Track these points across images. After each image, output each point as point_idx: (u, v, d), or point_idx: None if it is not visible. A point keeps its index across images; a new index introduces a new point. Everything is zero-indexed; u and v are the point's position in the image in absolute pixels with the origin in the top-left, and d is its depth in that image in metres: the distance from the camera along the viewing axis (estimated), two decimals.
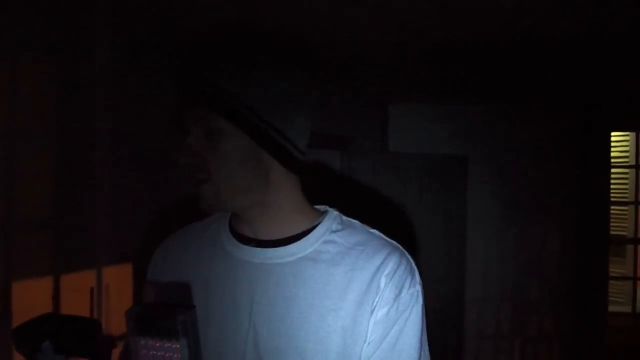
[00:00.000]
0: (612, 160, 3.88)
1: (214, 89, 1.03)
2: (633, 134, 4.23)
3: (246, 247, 1.11)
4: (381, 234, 1.15)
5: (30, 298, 2.14)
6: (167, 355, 0.93)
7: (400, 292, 1.06)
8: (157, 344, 0.93)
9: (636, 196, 3.89)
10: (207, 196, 1.07)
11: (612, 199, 3.85)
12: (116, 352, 2.43)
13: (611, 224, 3.85)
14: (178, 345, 0.92)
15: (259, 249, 1.10)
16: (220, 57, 1.07)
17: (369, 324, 1.04)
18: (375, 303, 1.04)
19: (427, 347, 1.11)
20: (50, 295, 2.21)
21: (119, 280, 2.55)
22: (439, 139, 3.45)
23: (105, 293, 2.43)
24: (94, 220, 2.41)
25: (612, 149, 3.86)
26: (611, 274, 3.91)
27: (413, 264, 1.11)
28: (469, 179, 3.48)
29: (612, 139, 3.82)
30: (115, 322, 2.48)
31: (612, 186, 3.85)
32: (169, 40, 2.75)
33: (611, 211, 3.81)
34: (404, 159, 3.31)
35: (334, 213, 1.16)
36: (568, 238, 3.60)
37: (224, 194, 1.06)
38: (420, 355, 1.07)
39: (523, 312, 3.58)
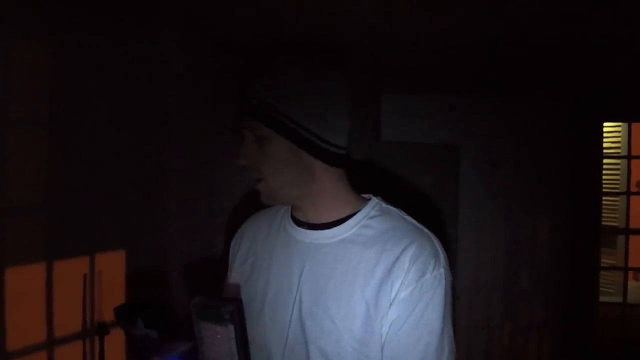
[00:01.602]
0: (604, 151, 3.90)
1: (256, 101, 1.23)
2: (625, 125, 4.25)
3: (300, 229, 1.33)
4: (413, 221, 1.30)
5: (24, 284, 2.15)
6: (219, 336, 1.18)
7: (424, 274, 1.20)
8: (212, 327, 1.18)
9: (628, 187, 3.91)
10: (263, 192, 1.29)
11: (604, 190, 3.87)
12: (109, 338, 2.43)
13: (603, 215, 3.87)
14: (227, 329, 1.17)
15: (309, 231, 1.31)
16: (259, 73, 1.24)
17: (390, 299, 1.19)
18: (399, 282, 1.19)
19: (451, 325, 1.26)
20: (43, 281, 2.22)
21: (111, 267, 2.56)
22: (431, 128, 3.46)
23: (98, 280, 2.44)
24: (87, 207, 2.41)
25: (604, 140, 3.88)
26: (602, 265, 3.94)
27: (439, 249, 1.25)
28: (461, 168, 3.50)
29: (604, 129, 3.83)
30: (107, 309, 2.49)
31: (604, 177, 3.87)
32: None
33: (603, 202, 3.83)
34: (396, 148, 3.32)
35: (375, 201, 1.33)
36: (559, 228, 3.62)
37: (275, 190, 1.28)
38: (443, 330, 1.23)
39: (514, 301, 3.61)
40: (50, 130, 2.28)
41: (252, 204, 1.45)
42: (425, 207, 3.41)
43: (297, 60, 1.25)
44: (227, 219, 3.13)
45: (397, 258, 1.20)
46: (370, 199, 1.34)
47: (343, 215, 1.30)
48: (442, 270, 1.22)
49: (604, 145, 3.88)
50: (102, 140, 2.50)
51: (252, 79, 1.24)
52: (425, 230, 1.28)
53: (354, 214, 1.30)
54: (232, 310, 1.16)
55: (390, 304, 1.20)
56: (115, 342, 2.54)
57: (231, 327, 1.16)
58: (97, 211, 2.46)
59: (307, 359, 1.24)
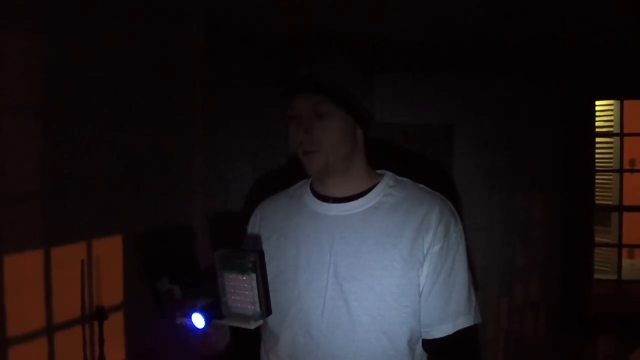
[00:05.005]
0: (597, 129, 3.91)
1: (324, 80, 1.39)
2: (617, 103, 4.26)
3: (325, 204, 1.48)
4: (426, 187, 1.49)
5: (22, 271, 2.16)
6: (242, 285, 1.28)
7: (448, 231, 1.40)
8: (236, 277, 1.28)
9: (621, 164, 3.93)
10: (317, 163, 1.41)
11: (597, 168, 3.88)
12: (108, 322, 2.43)
13: (596, 193, 3.88)
14: (250, 278, 1.26)
15: (335, 205, 1.46)
16: (322, 58, 1.43)
17: (423, 253, 1.38)
18: (429, 238, 1.38)
19: (471, 277, 1.47)
20: (41, 268, 2.23)
21: (109, 252, 2.56)
22: (424, 108, 3.46)
23: (96, 265, 2.45)
24: (83, 193, 2.42)
25: (597, 118, 3.89)
26: (596, 242, 3.96)
27: (453, 209, 1.46)
28: (454, 148, 3.51)
29: (597, 108, 3.84)
30: (106, 294, 2.50)
31: (596, 155, 3.89)
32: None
33: (596, 180, 3.85)
34: (389, 129, 3.32)
35: (389, 174, 1.52)
36: (553, 206, 3.64)
37: (332, 161, 1.41)
38: (469, 284, 1.44)
39: (509, 279, 3.63)
40: (47, 116, 2.28)
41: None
42: None
43: (345, 50, 1.47)
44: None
45: (423, 218, 1.39)
46: (384, 173, 1.52)
47: (365, 188, 1.47)
48: (460, 226, 1.44)
49: (597, 123, 3.89)
50: (98, 126, 2.50)
51: (317, 62, 1.42)
52: (439, 194, 1.48)
53: (374, 185, 1.47)
54: (254, 260, 1.26)
55: (424, 257, 1.38)
56: (115, 327, 2.56)
57: (253, 276, 1.26)
58: (93, 197, 2.47)
59: (349, 316, 1.38)
